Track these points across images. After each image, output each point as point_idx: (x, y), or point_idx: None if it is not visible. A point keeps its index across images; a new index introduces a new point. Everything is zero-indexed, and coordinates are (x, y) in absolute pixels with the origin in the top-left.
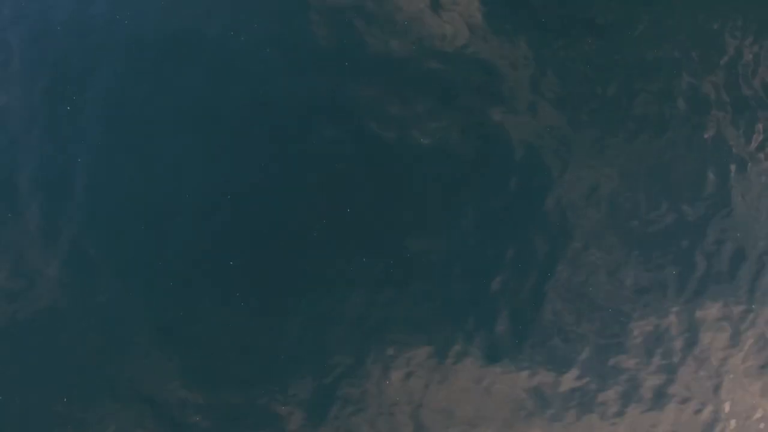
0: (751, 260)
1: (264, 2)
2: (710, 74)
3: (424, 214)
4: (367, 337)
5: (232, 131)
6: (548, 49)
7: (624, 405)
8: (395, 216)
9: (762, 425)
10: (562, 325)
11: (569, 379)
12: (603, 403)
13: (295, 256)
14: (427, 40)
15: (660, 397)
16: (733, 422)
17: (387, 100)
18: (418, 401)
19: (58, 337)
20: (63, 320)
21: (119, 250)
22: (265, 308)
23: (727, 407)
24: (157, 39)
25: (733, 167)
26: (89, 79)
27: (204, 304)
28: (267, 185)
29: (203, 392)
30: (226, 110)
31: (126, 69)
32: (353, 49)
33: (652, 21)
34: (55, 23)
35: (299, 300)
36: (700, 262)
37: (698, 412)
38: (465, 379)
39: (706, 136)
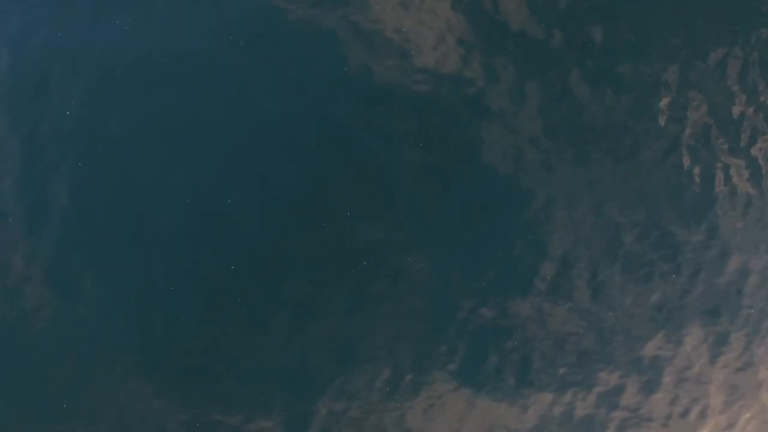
0: (740, 267)
1: (259, 13)
2: (695, 87)
3: (411, 226)
4: (352, 349)
5: (225, 140)
6: (532, 63)
7: (608, 413)
8: (383, 228)
9: (751, 426)
10: (544, 342)
11: (551, 397)
12: (587, 418)
13: (283, 271)
14: (415, 53)
15: (647, 405)
16: (724, 421)
17: (376, 113)
18: (402, 413)
19: (38, 352)
20: (43, 334)
21: (103, 263)
22: (252, 322)
23: (717, 410)
24: (157, 49)
25: (718, 179)
26: (84, 82)
27: (192, 318)
28: (259, 196)
29: (188, 409)
30: (219, 120)
31: (119, 75)
32: (342, 61)
33: (639, 35)
34: (45, 24)
35: (286, 314)
36: (687, 270)
37: (684, 415)
38: (448, 394)
39: (691, 147)
